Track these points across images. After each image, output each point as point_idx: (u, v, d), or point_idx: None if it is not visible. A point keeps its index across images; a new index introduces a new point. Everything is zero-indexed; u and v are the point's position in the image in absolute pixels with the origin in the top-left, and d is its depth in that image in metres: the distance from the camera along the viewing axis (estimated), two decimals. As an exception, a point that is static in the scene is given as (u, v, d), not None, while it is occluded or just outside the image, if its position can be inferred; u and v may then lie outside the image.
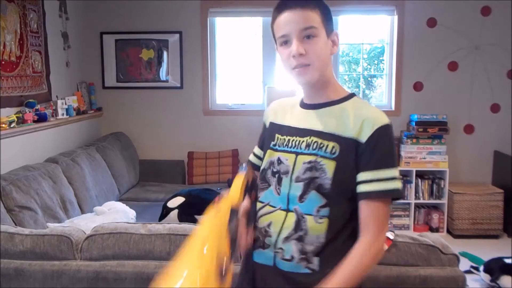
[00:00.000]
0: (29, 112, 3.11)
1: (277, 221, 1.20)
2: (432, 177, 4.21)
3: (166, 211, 3.10)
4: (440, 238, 1.87)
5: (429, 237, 1.86)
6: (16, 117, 2.98)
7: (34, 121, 3.15)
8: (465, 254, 3.45)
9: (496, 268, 3.08)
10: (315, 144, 1.18)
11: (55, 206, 2.79)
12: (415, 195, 4.18)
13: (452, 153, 4.27)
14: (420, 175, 4.21)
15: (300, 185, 1.18)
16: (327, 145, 1.17)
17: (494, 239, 4.03)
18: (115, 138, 4.20)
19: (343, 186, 1.15)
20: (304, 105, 1.27)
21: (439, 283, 1.73)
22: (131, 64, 4.42)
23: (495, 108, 4.30)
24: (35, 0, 3.38)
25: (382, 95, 4.57)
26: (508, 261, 3.09)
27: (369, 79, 4.75)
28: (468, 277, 2.74)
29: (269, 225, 1.22)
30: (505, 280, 3.01)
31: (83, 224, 2.51)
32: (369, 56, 4.73)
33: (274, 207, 1.22)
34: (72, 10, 3.98)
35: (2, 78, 2.96)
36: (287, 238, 1.18)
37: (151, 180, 4.32)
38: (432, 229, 4.18)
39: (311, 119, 1.22)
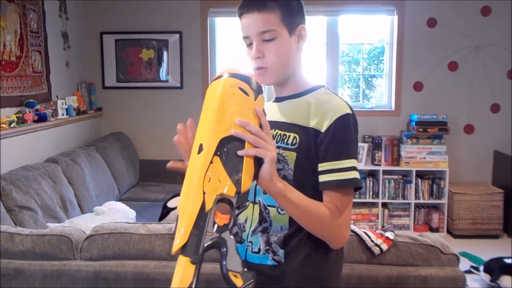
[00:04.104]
0: (29, 112, 3.11)
1: (249, 214, 1.23)
2: (432, 177, 4.21)
3: (166, 211, 3.11)
4: (440, 238, 1.87)
5: (429, 237, 1.86)
6: (16, 117, 2.98)
7: (34, 121, 3.15)
8: (465, 254, 3.46)
9: (496, 268, 3.08)
10: (279, 136, 1.20)
11: (55, 206, 2.79)
12: (415, 195, 4.18)
13: (452, 153, 4.27)
14: (420, 175, 4.21)
15: None
16: (289, 136, 1.18)
17: (494, 239, 4.03)
18: (115, 138, 4.20)
19: (305, 176, 1.16)
20: (274, 99, 1.32)
21: (439, 283, 1.73)
22: (131, 64, 4.42)
23: (495, 108, 4.30)
24: (35, 0, 3.38)
25: (382, 95, 4.57)
26: (508, 261, 3.09)
27: (369, 79, 4.75)
28: (468, 277, 2.73)
29: (246, 220, 1.25)
30: (505, 280, 3.01)
31: (83, 224, 2.51)
32: (369, 56, 4.73)
33: (247, 200, 1.24)
34: (72, 10, 3.98)
35: (2, 78, 2.96)
36: (254, 231, 1.21)
37: (151, 180, 4.32)
38: (432, 229, 4.18)
39: (276, 111, 1.26)
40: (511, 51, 4.20)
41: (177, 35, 4.36)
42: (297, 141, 1.16)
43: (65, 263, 1.84)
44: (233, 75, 1.05)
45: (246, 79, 1.05)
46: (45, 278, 1.81)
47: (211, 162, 0.94)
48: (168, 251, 1.82)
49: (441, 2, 4.19)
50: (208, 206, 0.90)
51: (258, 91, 1.06)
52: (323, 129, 1.14)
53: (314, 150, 1.15)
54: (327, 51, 4.40)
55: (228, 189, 0.92)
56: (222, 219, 0.92)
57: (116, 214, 2.83)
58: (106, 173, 3.70)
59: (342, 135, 1.13)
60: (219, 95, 1.00)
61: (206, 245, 0.88)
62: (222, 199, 0.93)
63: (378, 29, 4.52)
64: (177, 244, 0.87)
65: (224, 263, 0.88)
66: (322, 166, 1.14)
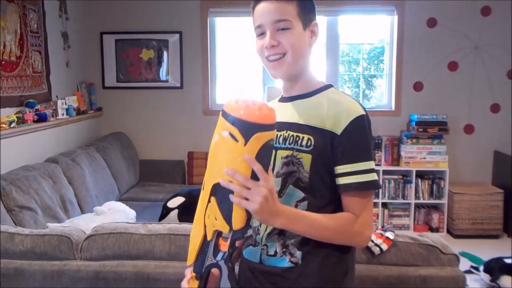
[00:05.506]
0: (29, 112, 3.11)
1: None
2: (432, 177, 4.21)
3: (166, 211, 3.11)
4: (440, 238, 1.87)
5: (429, 237, 1.86)
6: (16, 117, 2.98)
7: (34, 121, 3.15)
8: (465, 254, 3.46)
9: (496, 268, 3.08)
10: (291, 138, 1.18)
11: (55, 206, 2.79)
12: (415, 195, 4.18)
13: (452, 153, 4.27)
14: (420, 175, 4.21)
15: (279, 180, 1.18)
16: (303, 138, 1.17)
17: (494, 239, 4.03)
18: (115, 138, 4.20)
19: (321, 178, 1.15)
20: (281, 99, 1.29)
21: (439, 283, 1.73)
22: (131, 64, 4.42)
23: (495, 108, 4.30)
24: (35, 0, 3.38)
25: (382, 95, 4.57)
26: (508, 261, 3.09)
27: (369, 79, 4.75)
28: (468, 277, 2.74)
29: (261, 223, 1.22)
30: (505, 280, 3.01)
31: (83, 224, 2.51)
32: (369, 56, 4.73)
33: None
34: (72, 10, 3.98)
35: (2, 78, 2.96)
36: (269, 234, 1.19)
37: (151, 180, 4.32)
38: (432, 229, 4.18)
39: (287, 112, 1.23)
40: (511, 51, 4.21)
41: (177, 35, 4.36)
42: (312, 143, 1.15)
43: (65, 263, 1.84)
44: (224, 115, 1.04)
45: (236, 122, 1.00)
46: (45, 278, 1.81)
47: (209, 201, 1.05)
48: (168, 251, 1.83)
49: (441, 2, 4.19)
50: (208, 237, 1.08)
51: (251, 133, 0.99)
52: (339, 132, 1.13)
53: (330, 152, 1.14)
54: (327, 51, 4.40)
55: (222, 227, 1.05)
56: (225, 245, 1.08)
57: (116, 214, 2.83)
58: (106, 173, 3.70)
59: (359, 137, 1.13)
60: (213, 141, 1.07)
61: (207, 267, 1.09)
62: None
63: (378, 29, 4.52)
64: (189, 260, 1.11)
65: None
66: (340, 169, 1.13)
